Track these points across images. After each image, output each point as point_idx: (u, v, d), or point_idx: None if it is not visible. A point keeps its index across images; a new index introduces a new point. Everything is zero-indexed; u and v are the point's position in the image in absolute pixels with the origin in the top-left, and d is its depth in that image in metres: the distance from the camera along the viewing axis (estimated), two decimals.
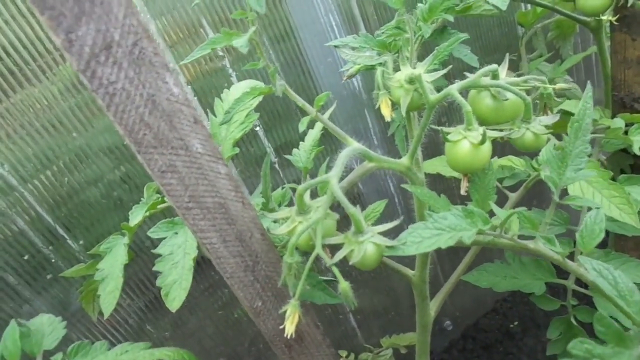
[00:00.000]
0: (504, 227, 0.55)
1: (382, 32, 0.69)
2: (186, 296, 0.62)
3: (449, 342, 1.67)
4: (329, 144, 0.88)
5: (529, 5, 1.18)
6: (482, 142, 0.56)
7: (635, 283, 0.77)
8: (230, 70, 0.95)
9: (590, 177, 0.74)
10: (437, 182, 1.23)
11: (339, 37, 1.03)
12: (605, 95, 1.07)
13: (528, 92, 0.94)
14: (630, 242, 1.15)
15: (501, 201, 0.94)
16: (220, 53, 0.94)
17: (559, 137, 0.87)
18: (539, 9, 1.14)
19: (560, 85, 0.60)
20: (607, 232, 0.96)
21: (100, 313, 0.76)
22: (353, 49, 0.71)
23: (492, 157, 0.93)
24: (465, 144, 0.57)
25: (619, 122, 0.88)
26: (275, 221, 0.60)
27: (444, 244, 0.50)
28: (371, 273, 1.35)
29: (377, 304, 1.42)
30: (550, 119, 0.62)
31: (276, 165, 1.07)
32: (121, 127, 0.44)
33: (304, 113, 0.66)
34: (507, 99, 0.60)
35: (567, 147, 0.56)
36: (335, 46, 0.73)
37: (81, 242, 0.92)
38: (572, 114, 0.95)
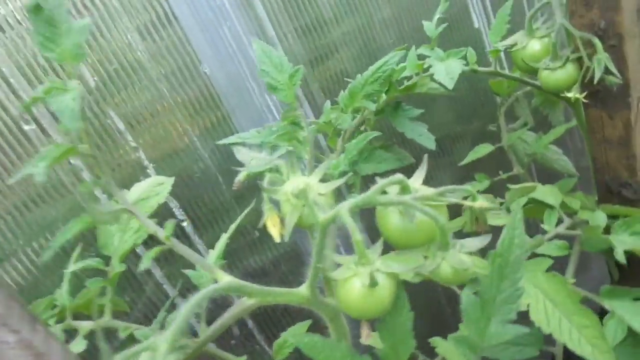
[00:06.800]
0: None
1: (274, 129, 0.57)
2: None
3: None
4: None
5: None
6: (374, 284, 0.42)
7: None
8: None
9: (556, 299, 0.59)
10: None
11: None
12: (593, 177, 0.92)
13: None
14: None
15: None
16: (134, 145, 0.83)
17: None
18: None
19: (481, 203, 0.46)
20: None
21: None
22: (250, 147, 0.59)
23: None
24: (356, 283, 0.43)
25: (599, 218, 0.73)
26: None
27: None
28: None
29: None
30: (478, 242, 0.47)
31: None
32: None
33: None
34: (416, 219, 0.46)
35: (486, 292, 0.41)
36: (231, 144, 0.61)
37: None
38: (545, 204, 0.80)
